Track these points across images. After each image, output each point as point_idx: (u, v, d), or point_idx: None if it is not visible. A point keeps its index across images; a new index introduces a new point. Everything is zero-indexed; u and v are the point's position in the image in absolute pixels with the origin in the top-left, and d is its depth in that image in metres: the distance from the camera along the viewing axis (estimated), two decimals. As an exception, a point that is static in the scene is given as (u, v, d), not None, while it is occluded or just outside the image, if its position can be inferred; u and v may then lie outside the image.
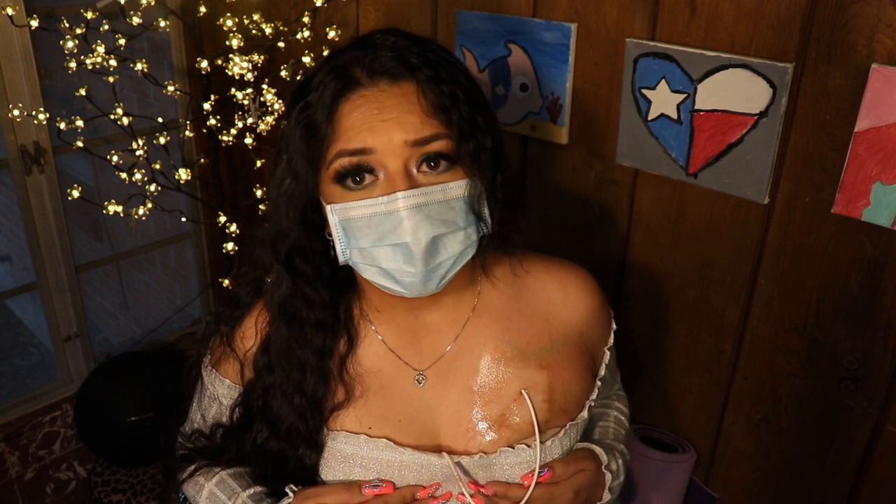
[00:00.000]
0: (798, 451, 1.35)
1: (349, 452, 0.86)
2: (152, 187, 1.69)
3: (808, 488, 1.35)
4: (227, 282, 1.94)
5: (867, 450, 1.25)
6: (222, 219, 1.83)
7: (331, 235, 0.82)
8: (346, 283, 0.91)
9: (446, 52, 0.82)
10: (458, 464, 0.85)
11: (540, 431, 0.86)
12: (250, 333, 0.93)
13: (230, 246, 1.83)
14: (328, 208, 0.80)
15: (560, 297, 0.94)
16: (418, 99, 0.76)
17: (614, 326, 1.01)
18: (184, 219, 1.88)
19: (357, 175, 0.77)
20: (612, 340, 1.00)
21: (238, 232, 1.83)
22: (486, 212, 0.82)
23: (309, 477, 0.88)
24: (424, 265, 0.77)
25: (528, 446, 0.86)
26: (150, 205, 1.71)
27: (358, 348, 0.90)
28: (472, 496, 0.84)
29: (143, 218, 1.70)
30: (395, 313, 0.90)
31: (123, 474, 2.08)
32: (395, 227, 0.76)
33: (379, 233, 0.77)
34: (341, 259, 0.82)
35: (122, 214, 1.66)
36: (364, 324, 0.91)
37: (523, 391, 0.88)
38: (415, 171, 0.77)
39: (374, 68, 0.78)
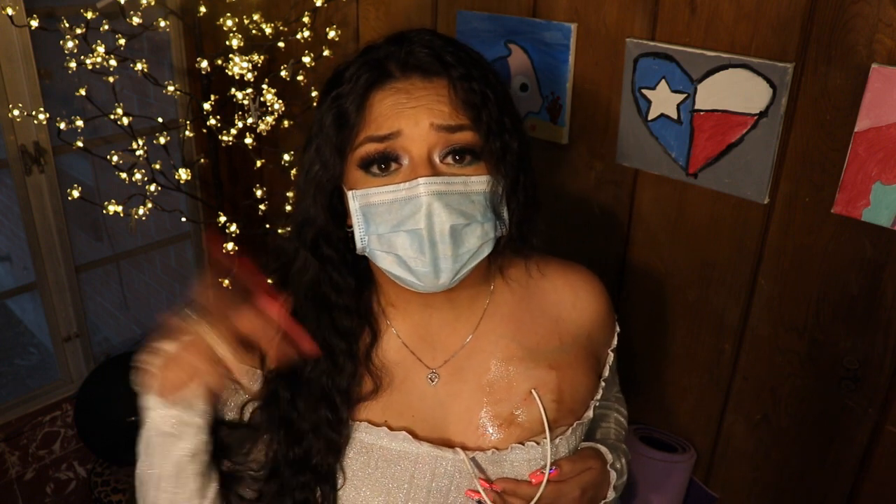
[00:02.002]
0: (798, 451, 1.35)
1: (369, 442, 0.86)
2: (152, 187, 1.69)
3: (808, 488, 1.35)
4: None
5: (867, 450, 1.25)
6: (222, 219, 1.83)
7: (351, 226, 0.83)
8: (367, 275, 0.91)
9: (478, 53, 0.83)
10: (473, 459, 0.86)
11: (549, 430, 0.87)
12: None
13: (230, 246, 1.83)
14: (349, 194, 0.81)
15: (570, 300, 0.95)
16: (449, 93, 0.77)
17: (618, 329, 1.02)
18: (184, 219, 1.88)
19: (382, 162, 0.78)
20: (615, 343, 1.01)
21: (238, 232, 1.83)
22: (505, 212, 0.82)
23: (331, 466, 0.87)
24: (440, 255, 0.77)
25: (537, 444, 0.87)
26: (150, 205, 1.71)
27: (380, 341, 0.90)
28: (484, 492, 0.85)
29: (143, 218, 1.70)
30: (410, 309, 0.90)
31: (123, 474, 2.08)
32: (413, 213, 0.77)
33: (398, 218, 0.78)
34: (359, 247, 0.83)
35: (122, 214, 1.66)
36: (381, 318, 0.92)
37: (533, 391, 0.88)
38: (438, 161, 0.78)
39: (409, 63, 0.79)
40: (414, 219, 0.77)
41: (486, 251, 0.81)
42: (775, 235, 1.26)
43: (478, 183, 0.78)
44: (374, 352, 0.89)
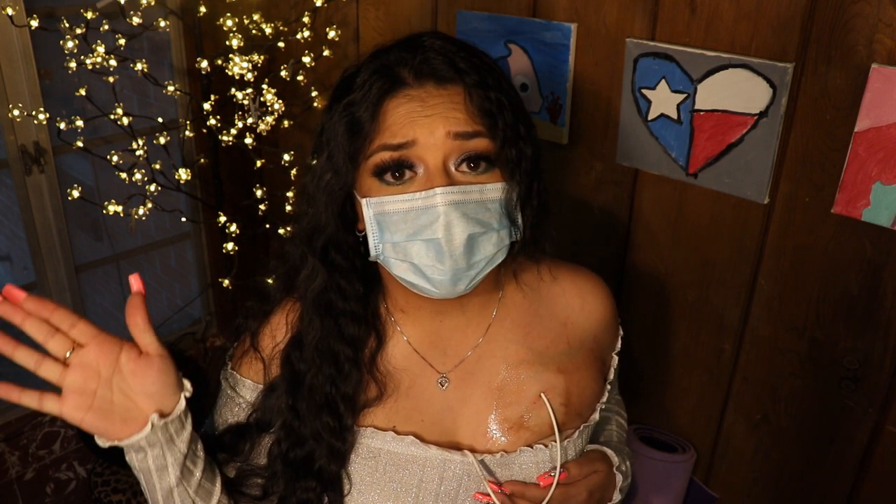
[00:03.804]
0: (798, 451, 1.35)
1: (376, 447, 0.86)
2: (152, 187, 1.69)
3: (808, 488, 1.35)
4: (226, 282, 1.94)
5: (867, 450, 1.25)
6: (222, 219, 1.83)
7: (361, 231, 0.83)
8: (374, 280, 0.91)
9: (491, 59, 0.83)
10: (482, 462, 0.86)
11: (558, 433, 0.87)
12: (281, 328, 0.92)
13: (230, 246, 1.83)
14: (363, 202, 0.80)
15: (578, 303, 0.96)
16: (464, 101, 0.77)
17: (621, 332, 1.02)
18: (184, 219, 1.88)
19: (397, 170, 0.77)
20: (619, 346, 1.02)
21: (238, 232, 1.83)
22: (519, 218, 0.82)
23: (335, 473, 0.87)
24: (457, 263, 0.77)
25: (545, 446, 0.87)
26: (150, 205, 1.71)
27: (386, 346, 0.90)
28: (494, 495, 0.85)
29: (143, 218, 1.70)
30: (420, 315, 0.90)
31: (123, 474, 2.08)
32: (430, 223, 0.76)
33: (414, 227, 0.77)
34: (373, 254, 0.82)
35: (122, 214, 1.66)
36: (389, 323, 0.91)
37: (543, 395, 0.89)
38: (454, 169, 0.77)
39: (422, 70, 0.78)
40: (431, 228, 0.76)
41: (501, 258, 0.81)
42: (775, 235, 1.26)
43: (493, 190, 0.78)
44: (381, 357, 0.89)
